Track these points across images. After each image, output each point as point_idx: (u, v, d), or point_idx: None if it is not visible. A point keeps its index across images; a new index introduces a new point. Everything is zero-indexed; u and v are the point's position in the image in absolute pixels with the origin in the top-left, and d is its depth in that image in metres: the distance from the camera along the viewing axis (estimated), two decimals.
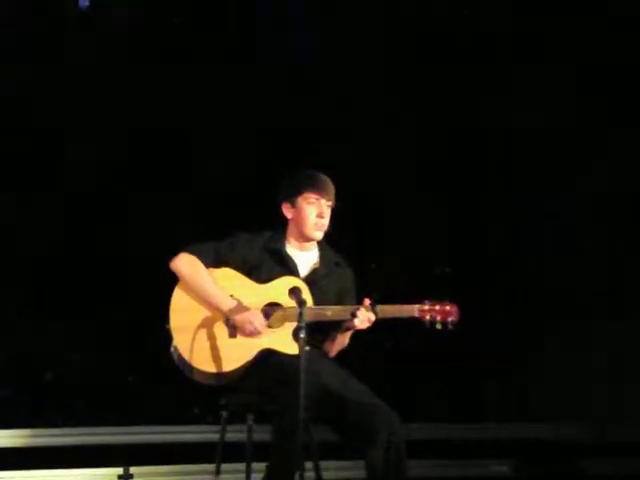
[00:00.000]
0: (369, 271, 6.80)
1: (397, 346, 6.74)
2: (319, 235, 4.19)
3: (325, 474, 4.13)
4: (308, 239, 4.20)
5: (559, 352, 6.86)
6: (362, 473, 3.98)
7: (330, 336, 4.15)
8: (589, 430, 6.42)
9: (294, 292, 3.91)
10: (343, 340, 4.16)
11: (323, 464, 4.11)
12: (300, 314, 3.74)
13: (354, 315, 4.00)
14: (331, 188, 4.18)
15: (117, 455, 5.70)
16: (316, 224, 4.16)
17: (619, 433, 6.46)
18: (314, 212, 4.15)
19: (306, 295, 3.96)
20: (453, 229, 7.05)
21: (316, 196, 4.15)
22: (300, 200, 4.16)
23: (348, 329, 4.08)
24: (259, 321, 4.01)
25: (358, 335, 4.12)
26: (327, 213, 4.17)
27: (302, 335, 3.68)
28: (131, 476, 5.47)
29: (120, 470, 5.52)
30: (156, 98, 6.53)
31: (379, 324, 4.06)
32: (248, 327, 4.00)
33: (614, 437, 6.42)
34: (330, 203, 4.18)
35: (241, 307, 4.03)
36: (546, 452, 6.30)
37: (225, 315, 4.04)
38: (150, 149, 6.59)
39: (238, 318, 4.01)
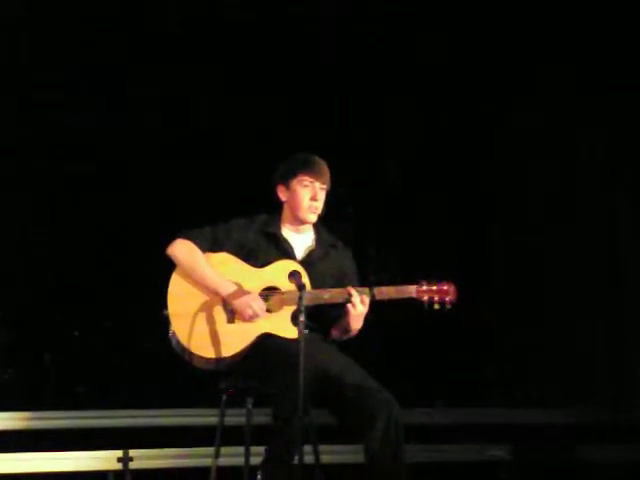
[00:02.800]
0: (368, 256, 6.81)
1: (395, 330, 6.75)
2: (313, 218, 4.19)
3: (324, 457, 4.15)
4: (302, 222, 4.20)
5: (558, 337, 6.88)
6: (361, 457, 3.99)
7: (334, 322, 4.15)
8: (588, 415, 6.43)
9: (294, 276, 3.91)
10: (344, 331, 4.15)
11: (322, 448, 4.12)
12: (300, 298, 3.74)
13: (348, 301, 4.00)
14: (326, 171, 4.18)
15: (117, 438, 5.72)
16: (310, 207, 4.16)
17: (619, 418, 6.47)
18: (308, 195, 4.15)
19: (304, 278, 3.97)
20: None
21: (310, 179, 4.15)
22: (294, 183, 4.16)
23: (349, 318, 4.05)
24: (258, 305, 4.01)
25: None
26: (321, 196, 4.17)
27: (302, 319, 3.69)
28: (130, 459, 5.49)
29: (120, 453, 5.54)
30: None
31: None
32: (248, 312, 4.00)
33: (613, 422, 6.44)
34: (325, 186, 4.18)
35: (240, 291, 4.04)
36: (543, 437, 6.31)
37: (224, 300, 4.05)
38: None
39: (237, 302, 4.02)
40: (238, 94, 6.67)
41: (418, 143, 6.99)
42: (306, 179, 4.15)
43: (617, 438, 6.27)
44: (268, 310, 4.05)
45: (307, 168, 4.16)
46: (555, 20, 6.60)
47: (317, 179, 4.16)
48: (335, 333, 4.17)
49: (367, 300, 4.03)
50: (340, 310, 4.08)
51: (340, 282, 4.13)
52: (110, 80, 6.54)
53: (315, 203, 4.16)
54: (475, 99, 6.98)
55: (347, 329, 4.10)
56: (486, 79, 6.91)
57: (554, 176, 6.97)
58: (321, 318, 4.13)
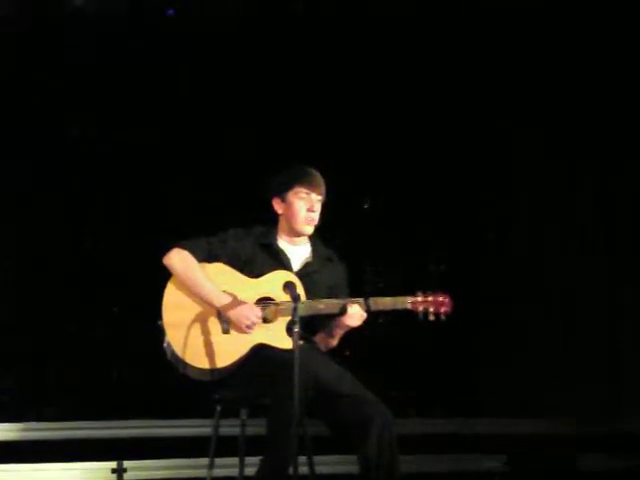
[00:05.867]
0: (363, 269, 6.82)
1: (390, 339, 6.76)
2: (309, 230, 4.20)
3: (319, 468, 4.12)
4: (299, 234, 4.20)
5: (553, 347, 6.88)
6: (355, 468, 3.99)
7: (322, 331, 4.15)
8: (585, 425, 6.43)
9: (288, 287, 3.90)
10: (331, 340, 4.16)
11: (317, 458, 4.11)
12: (294, 309, 3.74)
13: (344, 310, 4.00)
14: (321, 182, 4.19)
15: (111, 449, 5.71)
16: (306, 218, 4.16)
17: (615, 427, 6.48)
18: (304, 206, 4.15)
19: (299, 289, 3.96)
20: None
21: (306, 190, 4.16)
22: (290, 195, 4.17)
23: (340, 327, 4.07)
24: (254, 313, 4.01)
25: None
26: (317, 207, 4.18)
27: (296, 330, 3.68)
28: (124, 470, 5.49)
29: (114, 464, 5.54)
30: None
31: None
32: (244, 321, 4.00)
33: (607, 431, 6.44)
34: (320, 197, 4.18)
35: (235, 302, 4.03)
36: (538, 447, 6.31)
37: (219, 311, 4.04)
38: None
39: (233, 313, 4.01)
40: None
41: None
42: (302, 191, 4.16)
43: (614, 447, 6.27)
44: (263, 320, 4.05)
45: (303, 180, 4.16)
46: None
47: (313, 190, 4.16)
48: (317, 340, 4.17)
49: (365, 316, 4.04)
50: (332, 321, 4.08)
51: (332, 295, 4.14)
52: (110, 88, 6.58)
53: (312, 214, 4.17)
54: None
55: (332, 336, 4.11)
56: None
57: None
58: (314, 328, 4.13)
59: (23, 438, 5.79)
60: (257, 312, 4.02)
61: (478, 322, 6.95)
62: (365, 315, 4.04)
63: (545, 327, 6.98)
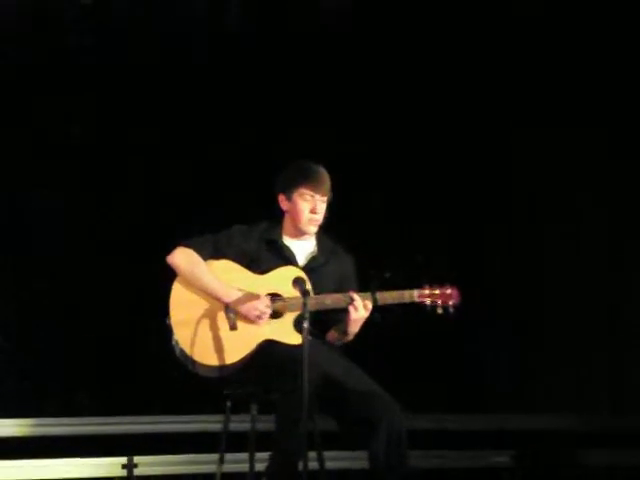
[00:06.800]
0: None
1: (397, 335, 6.76)
2: (313, 230, 4.20)
3: (328, 464, 4.14)
4: (302, 233, 4.21)
5: (560, 342, 6.88)
6: (365, 463, 4.01)
7: (335, 329, 4.16)
8: (589, 421, 6.43)
9: (298, 282, 3.92)
10: (345, 337, 4.15)
11: (326, 454, 4.12)
12: (304, 305, 3.76)
13: (350, 302, 4.00)
14: (327, 182, 4.17)
15: (121, 445, 5.73)
16: (310, 219, 4.16)
17: (618, 423, 6.48)
18: (308, 207, 4.15)
19: (308, 285, 3.98)
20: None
21: (311, 192, 4.14)
22: (295, 195, 4.16)
23: (350, 323, 4.06)
24: (264, 304, 4.02)
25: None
26: (321, 208, 4.16)
27: (306, 325, 3.70)
28: (135, 465, 5.51)
29: (124, 459, 5.56)
30: None
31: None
32: (253, 312, 4.00)
33: (614, 428, 6.44)
34: (325, 197, 4.17)
35: (243, 296, 4.04)
36: (546, 443, 6.32)
37: (226, 306, 4.05)
38: None
39: (242, 306, 4.03)
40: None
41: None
42: (307, 192, 4.14)
43: (619, 443, 6.27)
44: (271, 316, 4.06)
45: (308, 180, 4.14)
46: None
47: (318, 192, 4.14)
48: (331, 337, 4.17)
49: (370, 305, 4.04)
50: (340, 315, 4.08)
51: (341, 287, 4.13)
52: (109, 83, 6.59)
53: (315, 216, 4.16)
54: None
55: (345, 332, 4.10)
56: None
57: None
58: (322, 323, 4.13)
59: (33, 434, 5.80)
60: (266, 302, 4.02)
61: (480, 318, 6.94)
62: (370, 306, 4.02)
63: (547, 323, 6.98)
